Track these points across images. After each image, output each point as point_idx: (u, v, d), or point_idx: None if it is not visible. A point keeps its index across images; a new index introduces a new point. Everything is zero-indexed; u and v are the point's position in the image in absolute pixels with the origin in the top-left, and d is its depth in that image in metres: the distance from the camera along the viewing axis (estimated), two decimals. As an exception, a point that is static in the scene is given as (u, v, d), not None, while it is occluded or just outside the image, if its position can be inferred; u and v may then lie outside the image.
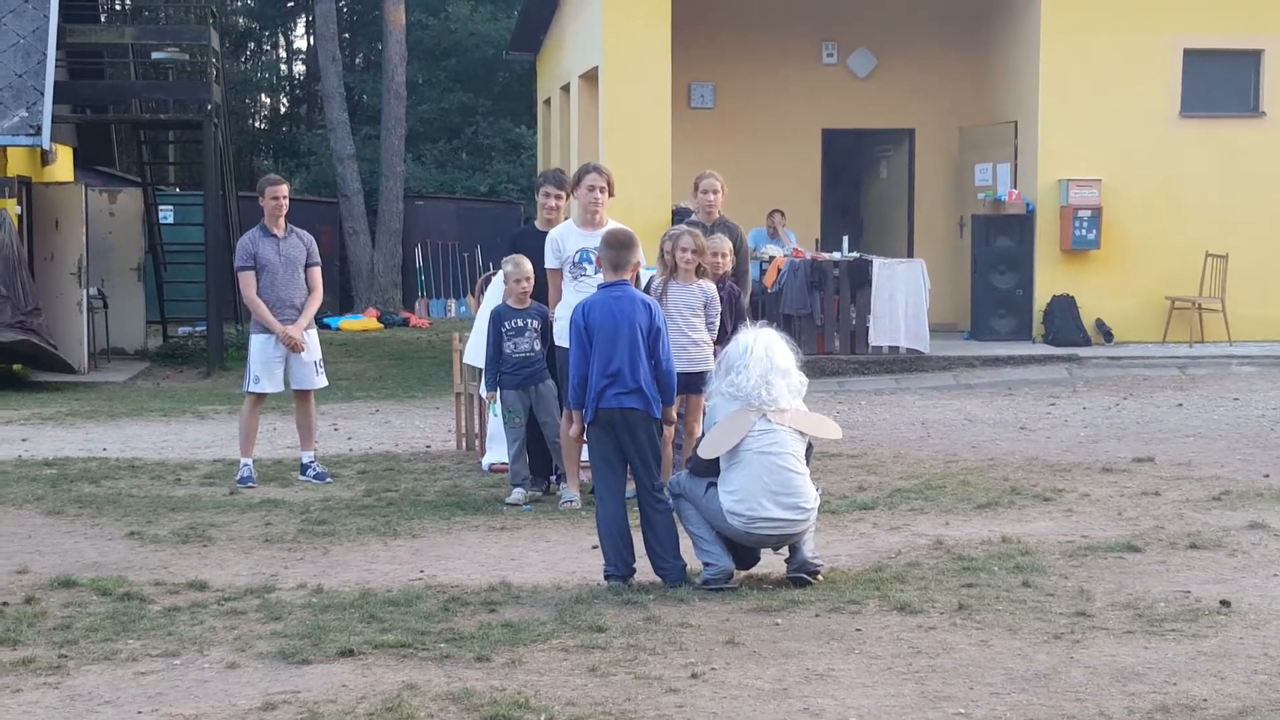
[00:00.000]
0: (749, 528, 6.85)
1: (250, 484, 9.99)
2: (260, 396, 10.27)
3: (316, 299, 10.36)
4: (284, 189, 10.41)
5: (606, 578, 7.02)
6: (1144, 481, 9.71)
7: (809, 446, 7.08)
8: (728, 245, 9.46)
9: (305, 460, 10.35)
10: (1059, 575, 7.09)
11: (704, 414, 7.54)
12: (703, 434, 7.25)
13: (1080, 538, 7.96)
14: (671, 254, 8.94)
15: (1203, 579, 7.03)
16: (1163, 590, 6.81)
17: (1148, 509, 8.79)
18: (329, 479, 10.16)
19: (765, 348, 7.05)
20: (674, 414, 7.39)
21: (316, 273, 10.42)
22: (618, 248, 7.34)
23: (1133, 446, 11.30)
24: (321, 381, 10.41)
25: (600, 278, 8.91)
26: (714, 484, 6.96)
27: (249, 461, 10.18)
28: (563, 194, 9.84)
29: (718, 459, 6.94)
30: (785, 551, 7.05)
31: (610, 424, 7.09)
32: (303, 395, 10.35)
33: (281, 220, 10.32)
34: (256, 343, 10.23)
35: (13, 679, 5.63)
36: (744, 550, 7.04)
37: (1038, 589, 6.82)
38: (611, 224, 9.02)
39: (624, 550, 7.05)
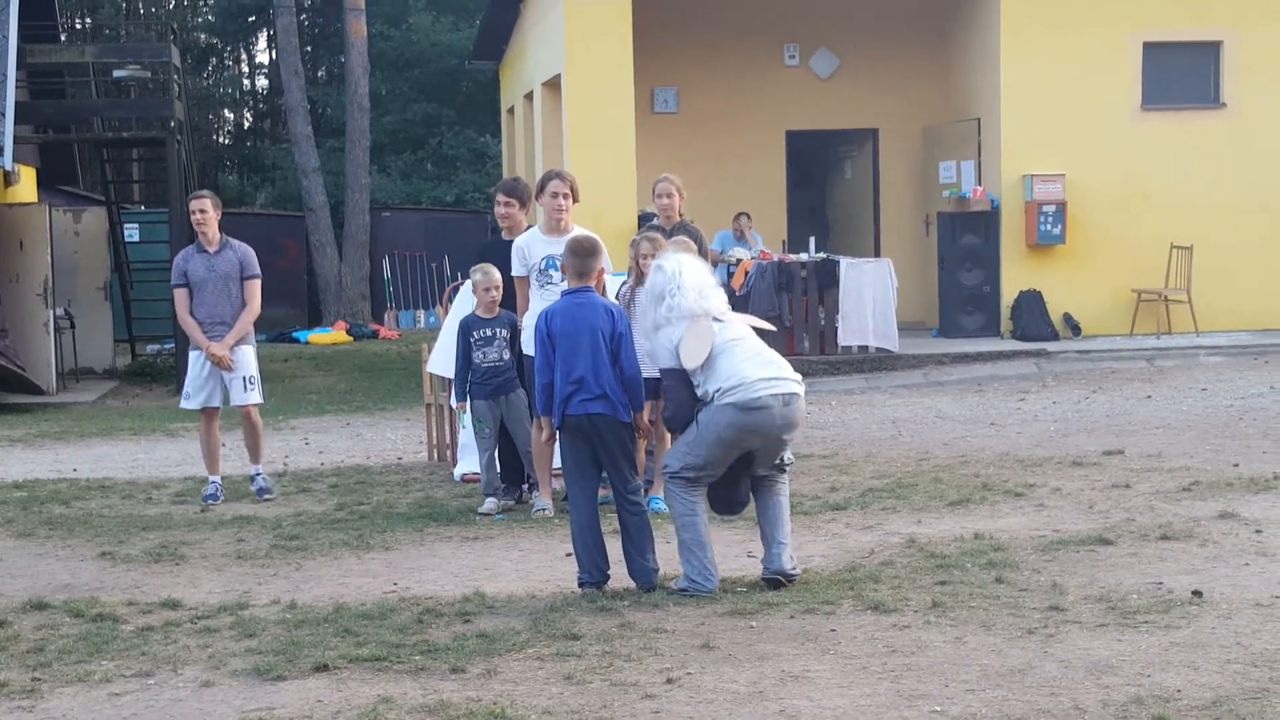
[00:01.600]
0: (751, 402, 6.79)
1: (215, 501, 9.92)
2: (210, 413, 10.10)
3: (249, 313, 10.12)
4: (205, 203, 10.13)
5: (580, 585, 7.01)
6: (1114, 474, 9.76)
7: None
8: (657, 244, 9.35)
9: (252, 473, 10.26)
10: (1031, 570, 7.12)
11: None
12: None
13: (1052, 532, 8.00)
14: (636, 260, 8.95)
15: (1174, 570, 7.07)
16: (1135, 582, 6.84)
17: (1118, 502, 8.83)
18: (270, 496, 10.03)
19: (690, 269, 7.12)
20: (646, 420, 7.37)
21: (252, 285, 10.18)
22: (582, 255, 7.33)
23: (1102, 440, 11.36)
24: (253, 398, 10.12)
25: (565, 283, 8.93)
26: (696, 422, 6.93)
27: (216, 479, 10.11)
28: (514, 200, 9.79)
29: (691, 398, 6.94)
30: (759, 551, 7.05)
31: (579, 430, 7.07)
32: (243, 411, 10.15)
33: (210, 234, 10.09)
34: (192, 359, 10.20)
35: (-15, 704, 5.60)
36: (731, 492, 7.04)
37: (1010, 585, 6.84)
38: (577, 230, 9.03)
39: (597, 556, 7.03)
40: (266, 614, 6.80)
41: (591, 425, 7.03)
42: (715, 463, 6.93)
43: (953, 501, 9.01)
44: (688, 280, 7.05)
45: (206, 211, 10.09)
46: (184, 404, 10.23)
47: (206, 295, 10.03)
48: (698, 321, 6.97)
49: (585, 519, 7.06)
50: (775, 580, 6.92)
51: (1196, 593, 6.57)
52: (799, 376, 7.08)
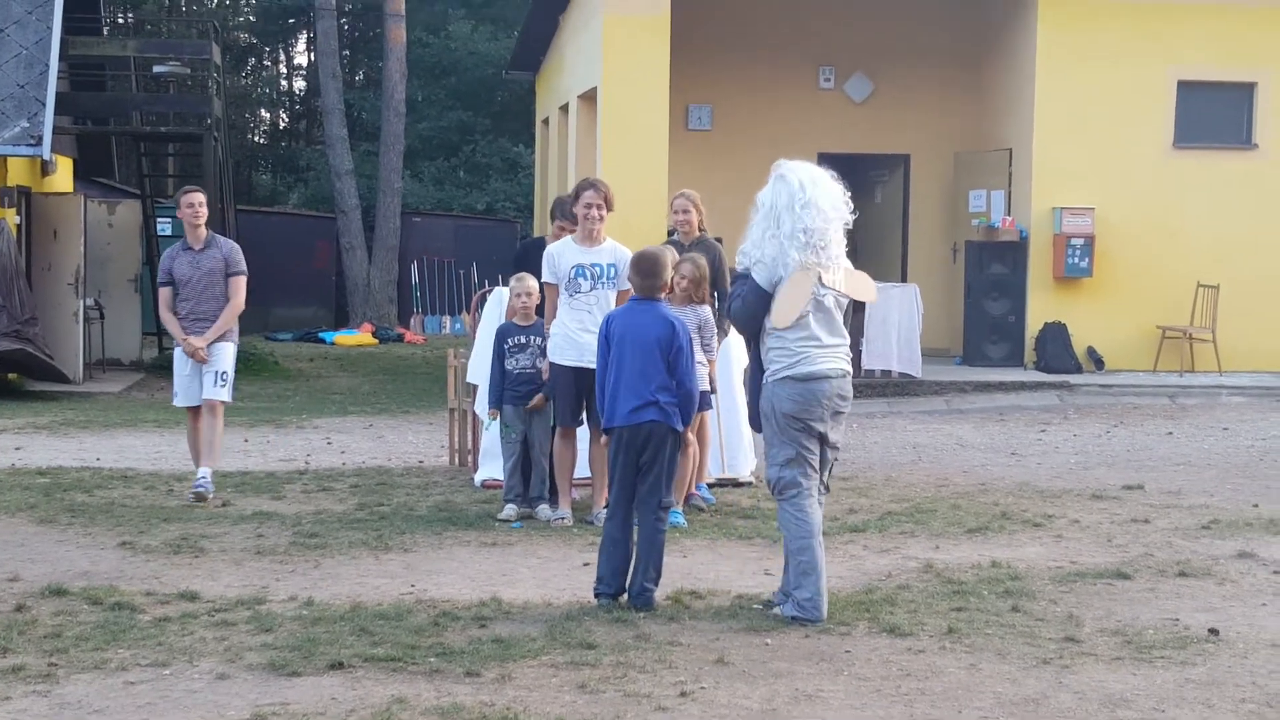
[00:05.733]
0: (809, 374, 6.67)
1: (202, 490, 9.72)
2: (195, 411, 9.97)
3: (232, 307, 9.95)
4: (197, 197, 10.00)
5: (596, 595, 7.01)
6: (1134, 509, 9.75)
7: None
8: (699, 264, 9.35)
9: (199, 474, 9.84)
10: (1048, 600, 7.12)
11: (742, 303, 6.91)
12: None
13: (1070, 564, 8.00)
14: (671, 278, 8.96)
15: (1191, 607, 7.06)
16: (1151, 617, 6.84)
17: (1137, 536, 8.82)
18: (206, 492, 9.69)
19: (823, 184, 6.75)
20: (690, 435, 7.33)
21: (237, 282, 9.98)
22: (643, 275, 7.25)
23: (1123, 474, 11.34)
24: (220, 394, 9.89)
25: (594, 293, 8.99)
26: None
27: (205, 470, 9.91)
28: (567, 225, 9.80)
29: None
30: (778, 569, 7.02)
31: (628, 438, 7.04)
32: (210, 406, 9.91)
33: (199, 231, 9.95)
34: (175, 357, 10.11)
35: (2, 687, 5.64)
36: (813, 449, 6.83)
37: (1027, 614, 6.84)
38: (607, 241, 9.06)
39: (621, 571, 6.99)
40: (284, 610, 6.84)
41: (639, 433, 7.00)
42: (802, 446, 6.74)
43: (971, 529, 9.01)
44: (820, 198, 6.72)
45: (202, 206, 9.98)
46: (176, 402, 10.23)
47: (191, 292, 9.89)
48: (804, 275, 6.69)
49: (619, 531, 7.03)
50: (803, 615, 6.80)
51: (1213, 630, 6.56)
52: (849, 356, 6.95)
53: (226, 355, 10.00)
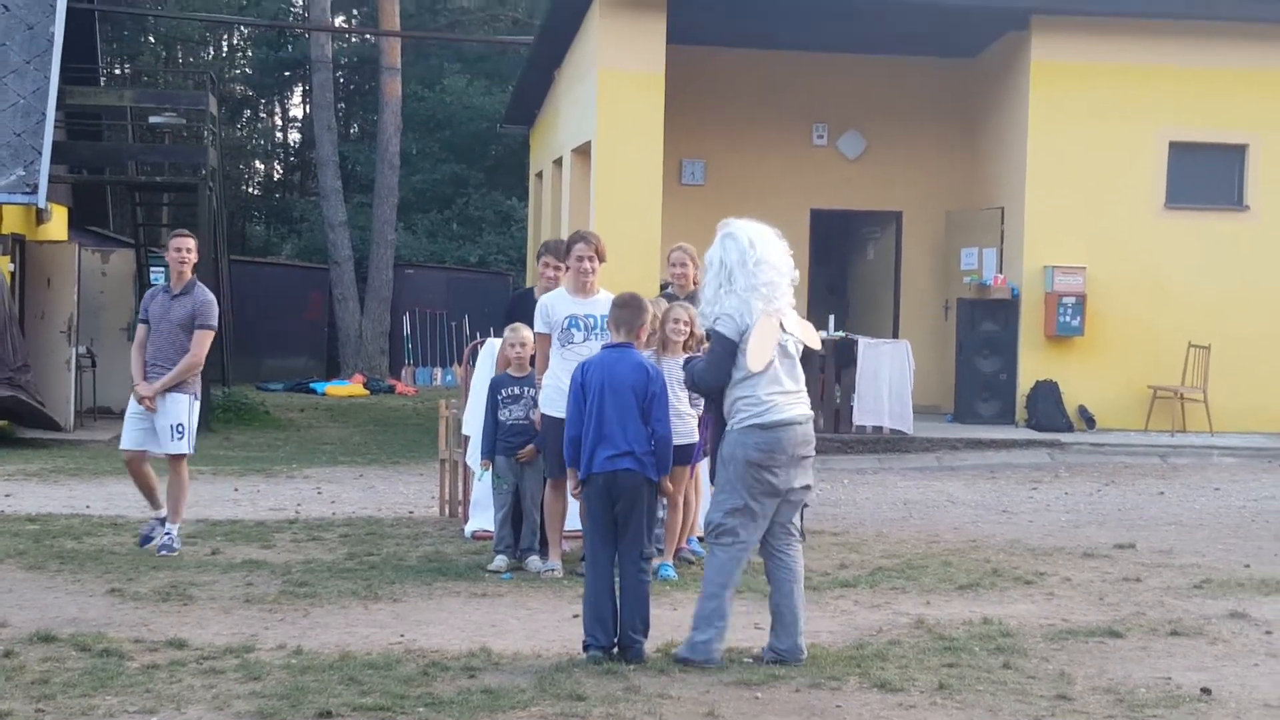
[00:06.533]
0: (775, 423, 6.79)
1: (151, 542, 9.61)
2: (133, 456, 9.75)
3: (189, 362, 9.70)
4: (188, 242, 9.84)
5: (586, 648, 6.98)
6: (1125, 567, 9.74)
7: None
8: (690, 312, 9.39)
9: (165, 528, 9.69)
10: (1040, 658, 7.11)
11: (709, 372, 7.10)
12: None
13: (1061, 621, 7.98)
14: (662, 326, 8.99)
15: (1183, 666, 7.05)
16: (1143, 676, 6.82)
17: (1129, 595, 8.81)
18: (169, 554, 9.51)
19: (768, 241, 7.04)
20: (669, 485, 7.34)
21: (201, 336, 9.76)
22: (623, 307, 7.32)
23: (1114, 533, 11.34)
24: (178, 447, 9.67)
25: (587, 344, 8.98)
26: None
27: (155, 514, 9.79)
28: (562, 265, 9.88)
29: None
30: (766, 623, 7.02)
31: (604, 488, 7.02)
32: (170, 461, 9.72)
33: (183, 277, 9.78)
34: (131, 398, 9.85)
35: (-11, 732, 5.61)
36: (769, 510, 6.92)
37: (1018, 671, 6.83)
38: (600, 292, 9.10)
39: (607, 622, 6.94)
40: (272, 658, 6.81)
41: (616, 482, 6.99)
42: (757, 500, 6.80)
43: (962, 585, 9.00)
44: (770, 255, 7.00)
45: (191, 252, 9.82)
46: (121, 445, 9.92)
47: (158, 336, 9.72)
48: (768, 321, 6.90)
49: (601, 583, 6.98)
50: (779, 660, 6.86)
51: (1205, 690, 6.55)
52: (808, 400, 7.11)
53: (180, 407, 9.72)
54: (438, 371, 29.57)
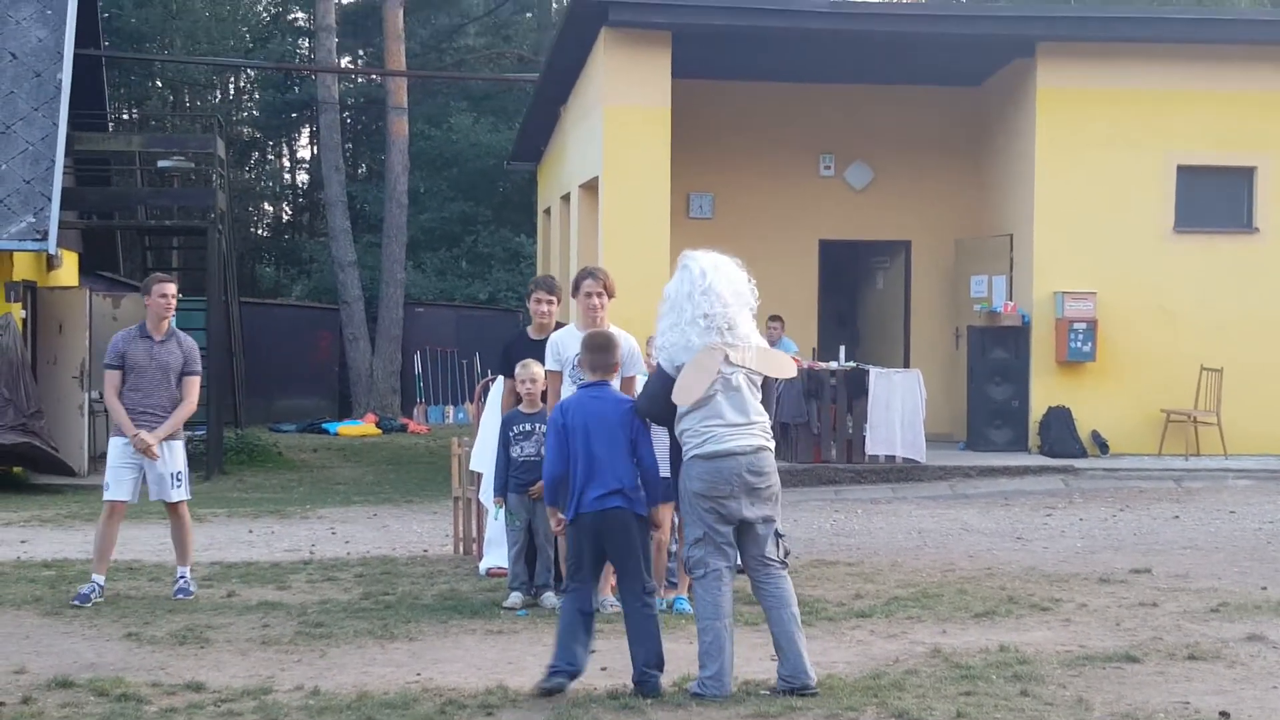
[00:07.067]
0: (715, 453, 6.82)
1: (86, 604, 9.21)
2: (115, 506, 9.62)
3: (186, 408, 9.66)
4: (170, 288, 9.74)
5: (551, 672, 6.88)
6: (1141, 592, 9.71)
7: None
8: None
9: (178, 574, 9.70)
10: (1057, 685, 7.09)
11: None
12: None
13: (1078, 647, 7.96)
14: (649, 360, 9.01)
15: (1201, 690, 7.02)
16: (1162, 701, 6.80)
17: (1145, 620, 8.79)
18: (190, 596, 9.53)
19: (722, 271, 7.05)
20: (659, 517, 7.34)
21: (192, 383, 9.70)
22: (596, 350, 7.33)
23: (1130, 558, 11.31)
24: (179, 494, 9.64)
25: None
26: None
27: (100, 580, 9.50)
28: (554, 298, 9.90)
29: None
30: (775, 657, 7.01)
31: (592, 528, 7.01)
32: (171, 508, 9.70)
33: (165, 323, 9.68)
34: (113, 446, 9.67)
35: (9, 778, 5.62)
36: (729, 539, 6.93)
37: (1036, 698, 6.81)
38: (610, 328, 9.11)
39: (578, 647, 6.92)
40: (290, 700, 6.81)
41: (605, 521, 6.98)
42: (712, 528, 6.86)
43: (978, 613, 8.98)
44: (719, 285, 7.02)
45: (174, 299, 9.72)
46: (106, 495, 9.68)
47: (143, 382, 9.55)
48: (708, 354, 6.92)
49: (578, 618, 6.97)
50: (791, 690, 6.85)
51: (1224, 714, 6.53)
52: (769, 433, 7.06)
53: (179, 455, 9.69)
54: (449, 409, 29.60)
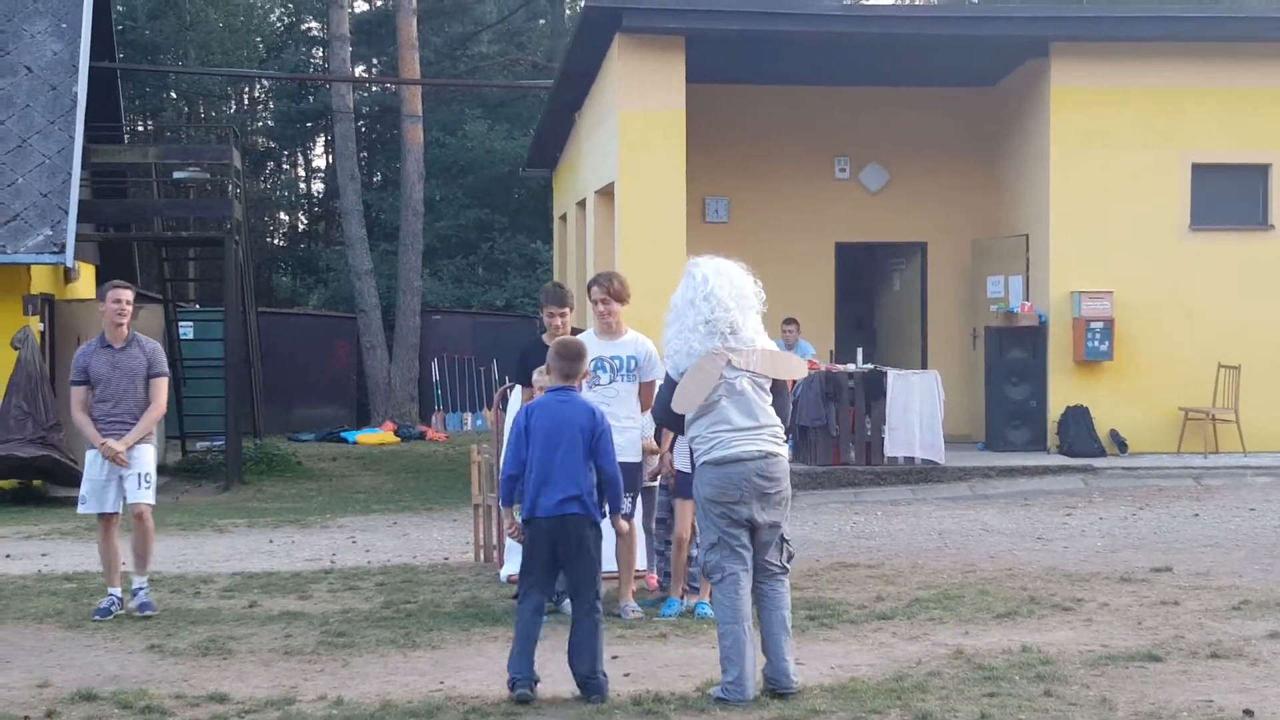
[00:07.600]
0: (724, 458, 6.85)
1: (108, 616, 9.26)
2: (107, 519, 9.56)
3: (154, 411, 9.56)
4: (125, 294, 9.63)
5: (513, 687, 6.89)
6: (1163, 591, 9.70)
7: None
8: None
9: (134, 586, 9.52)
10: (1080, 685, 7.08)
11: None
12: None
13: (1100, 647, 7.95)
14: None
15: (1225, 688, 7.01)
16: (1185, 700, 6.79)
17: (1167, 618, 8.77)
18: (151, 612, 9.38)
19: (726, 276, 7.09)
20: (622, 522, 7.36)
21: (159, 384, 9.59)
22: (565, 359, 7.33)
23: (1150, 556, 11.29)
24: (145, 496, 9.49)
25: (614, 386, 9.02)
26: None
27: (116, 592, 9.48)
28: (565, 309, 9.84)
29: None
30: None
31: (546, 531, 7.03)
32: (134, 511, 9.49)
33: (122, 329, 9.56)
34: (89, 461, 9.55)
35: (35, 791, 5.64)
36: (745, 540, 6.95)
37: (1059, 698, 6.80)
38: (628, 332, 9.13)
39: (531, 658, 6.97)
40: (313, 710, 6.83)
41: (561, 526, 7.00)
42: (726, 532, 6.89)
43: (1000, 614, 8.97)
44: (720, 289, 7.06)
45: (129, 304, 9.61)
46: (81, 508, 9.63)
47: (110, 392, 9.47)
48: (709, 360, 6.95)
49: (534, 624, 7.01)
50: (773, 690, 6.87)
51: (1248, 712, 6.51)
52: (782, 437, 7.06)
53: (147, 457, 9.56)
54: (468, 416, 29.63)
